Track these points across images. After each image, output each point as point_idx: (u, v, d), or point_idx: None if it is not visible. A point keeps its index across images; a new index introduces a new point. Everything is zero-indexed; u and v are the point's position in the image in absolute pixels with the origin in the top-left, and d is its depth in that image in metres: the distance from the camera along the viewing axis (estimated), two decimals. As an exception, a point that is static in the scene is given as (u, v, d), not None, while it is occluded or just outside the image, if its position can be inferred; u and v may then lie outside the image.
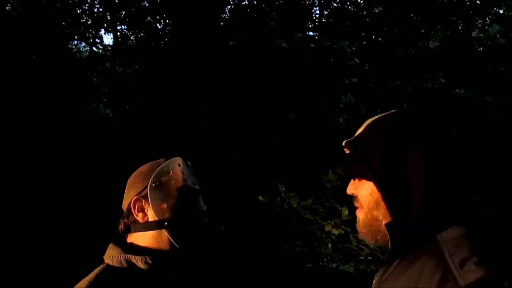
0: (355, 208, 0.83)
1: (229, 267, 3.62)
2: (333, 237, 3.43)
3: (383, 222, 0.75)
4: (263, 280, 3.75)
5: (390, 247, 0.74)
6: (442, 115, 6.26)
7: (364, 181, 0.78)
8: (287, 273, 3.79)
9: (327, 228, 3.36)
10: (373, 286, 0.79)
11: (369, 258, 3.51)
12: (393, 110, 0.81)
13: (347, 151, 0.82)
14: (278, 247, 3.76)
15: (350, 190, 0.83)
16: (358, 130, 0.84)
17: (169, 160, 1.02)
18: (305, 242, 3.64)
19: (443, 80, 8.21)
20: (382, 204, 0.75)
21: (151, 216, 0.95)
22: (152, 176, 0.97)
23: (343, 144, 0.82)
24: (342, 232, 3.33)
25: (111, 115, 7.85)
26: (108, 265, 0.93)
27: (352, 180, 0.82)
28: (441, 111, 6.48)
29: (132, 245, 0.97)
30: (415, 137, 0.73)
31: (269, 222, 3.91)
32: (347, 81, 8.35)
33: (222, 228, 4.59)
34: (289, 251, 3.69)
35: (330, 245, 3.45)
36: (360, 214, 0.81)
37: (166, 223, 0.93)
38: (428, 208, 0.70)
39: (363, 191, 0.79)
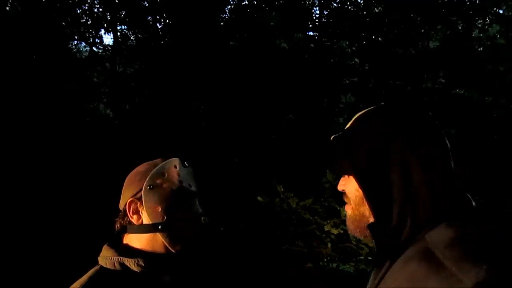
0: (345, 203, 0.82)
1: (229, 267, 3.62)
2: (333, 236, 3.43)
3: (370, 220, 0.74)
4: (263, 280, 3.75)
5: (375, 248, 0.73)
6: (442, 115, 6.26)
7: (352, 177, 0.77)
8: (287, 273, 3.78)
9: (326, 228, 3.36)
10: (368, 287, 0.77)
11: (369, 257, 3.50)
12: (382, 103, 0.78)
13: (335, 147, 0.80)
14: (278, 247, 3.76)
15: (340, 186, 0.82)
16: (347, 125, 0.82)
17: (166, 161, 1.00)
18: (305, 242, 3.64)
19: (443, 80, 8.20)
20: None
21: (146, 219, 0.95)
22: (147, 178, 0.95)
23: (331, 139, 0.81)
24: (342, 231, 3.33)
25: (111, 115, 7.86)
26: (101, 267, 0.93)
27: (342, 177, 0.82)
28: (441, 111, 6.48)
29: (127, 246, 0.97)
30: (399, 132, 0.71)
31: (269, 222, 3.91)
32: (347, 81, 8.34)
33: (222, 228, 4.59)
34: (289, 251, 3.69)
35: (329, 244, 3.45)
36: (348, 210, 0.80)
37: (160, 227, 0.93)
38: (412, 207, 0.67)
39: (350, 187, 0.78)
